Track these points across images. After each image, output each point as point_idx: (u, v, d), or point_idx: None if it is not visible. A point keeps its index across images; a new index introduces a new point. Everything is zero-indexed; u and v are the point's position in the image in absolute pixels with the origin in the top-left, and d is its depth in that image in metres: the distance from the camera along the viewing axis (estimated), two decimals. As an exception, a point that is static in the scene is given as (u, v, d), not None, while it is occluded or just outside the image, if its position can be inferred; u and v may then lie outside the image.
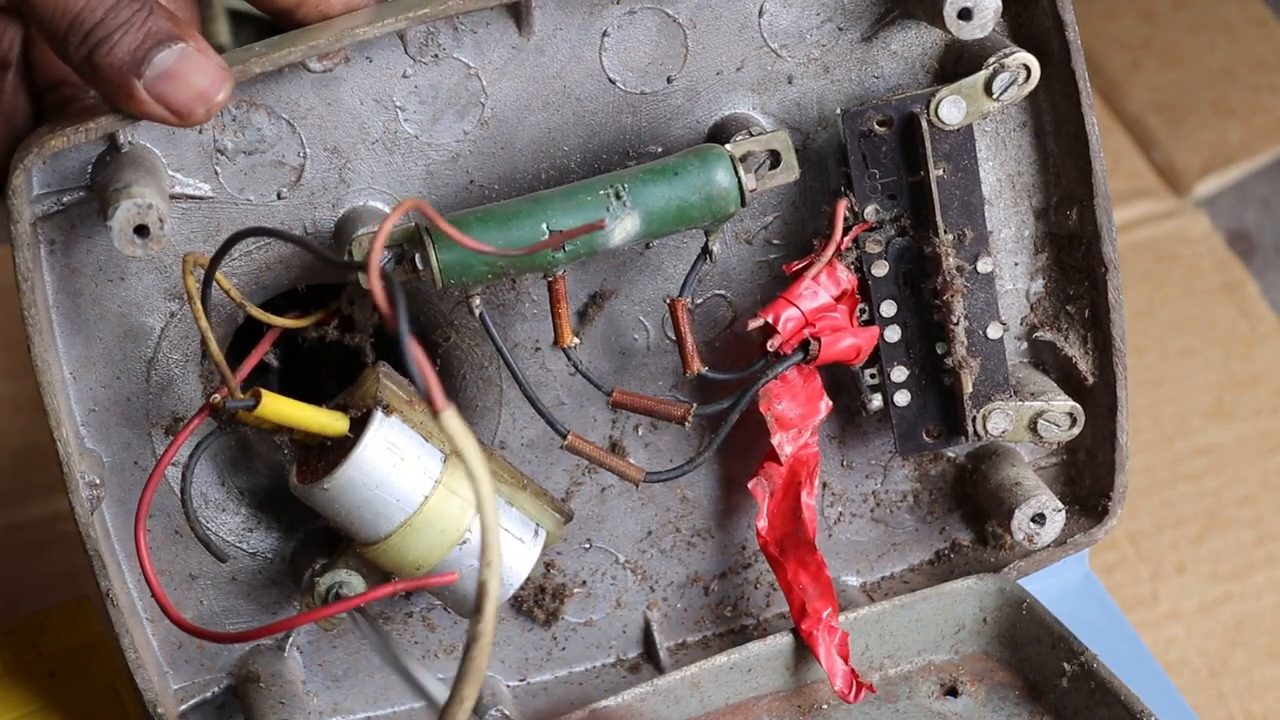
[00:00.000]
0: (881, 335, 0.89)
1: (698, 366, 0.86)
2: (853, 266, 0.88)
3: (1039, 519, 0.92)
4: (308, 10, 0.84)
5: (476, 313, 0.83)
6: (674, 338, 0.86)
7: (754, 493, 0.89)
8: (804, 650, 0.91)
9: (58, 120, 0.81)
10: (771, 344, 0.87)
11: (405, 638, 0.93)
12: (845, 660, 0.90)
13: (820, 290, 0.87)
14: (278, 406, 0.81)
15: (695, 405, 0.86)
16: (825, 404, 0.89)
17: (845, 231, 0.87)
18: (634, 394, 0.86)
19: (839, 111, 0.87)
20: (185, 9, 0.84)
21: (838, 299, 0.87)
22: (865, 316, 0.89)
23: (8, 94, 0.84)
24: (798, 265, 0.87)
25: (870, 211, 0.87)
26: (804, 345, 0.87)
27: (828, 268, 0.87)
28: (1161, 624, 1.17)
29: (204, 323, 0.80)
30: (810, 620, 0.90)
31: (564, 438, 0.86)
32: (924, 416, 0.91)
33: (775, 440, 0.88)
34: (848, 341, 0.87)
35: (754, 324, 0.87)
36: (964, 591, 0.93)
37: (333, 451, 0.83)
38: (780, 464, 0.89)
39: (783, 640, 0.91)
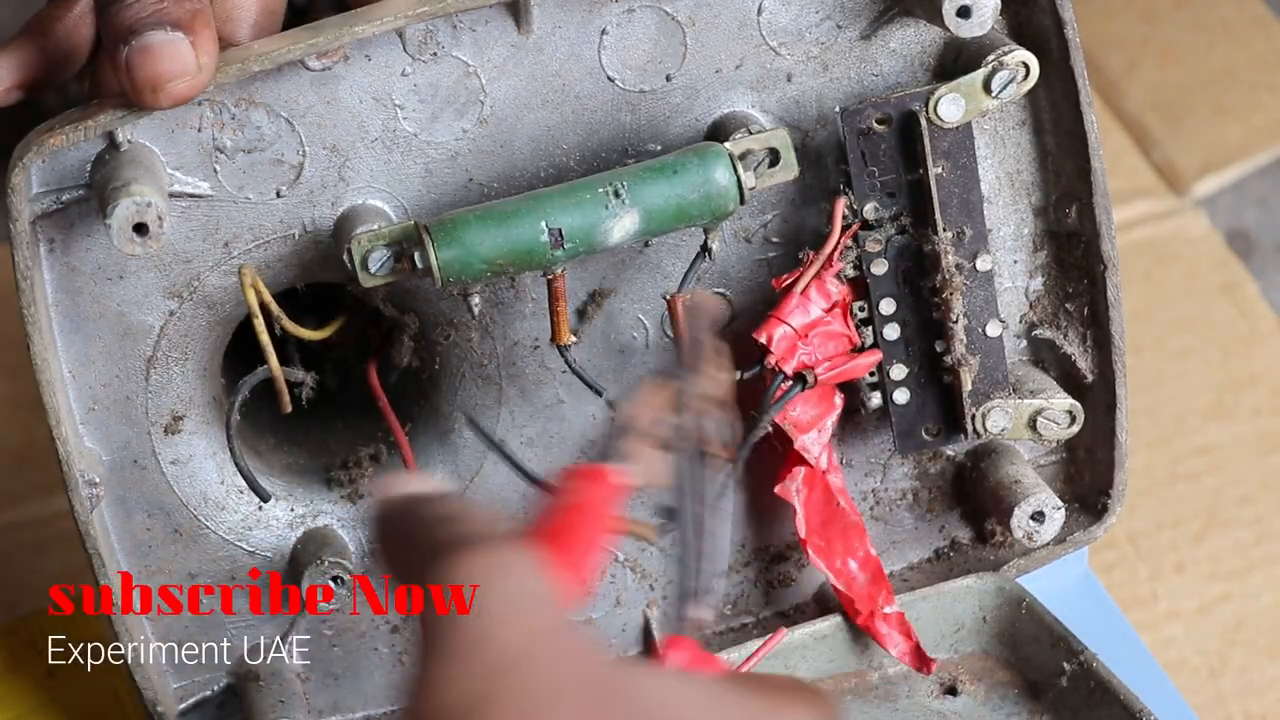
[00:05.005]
0: (881, 333, 0.89)
1: (696, 364, 0.86)
2: (845, 273, 0.88)
3: (1038, 517, 0.92)
4: None
5: (475, 311, 0.83)
6: (673, 335, 0.86)
7: (784, 496, 0.89)
8: (803, 649, 0.91)
9: (56, 119, 0.81)
10: (768, 362, 0.87)
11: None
12: (908, 637, 0.90)
13: (810, 305, 0.87)
14: None
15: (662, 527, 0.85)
16: (839, 398, 0.89)
17: (844, 230, 0.87)
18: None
19: (838, 109, 0.87)
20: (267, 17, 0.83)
21: (828, 311, 0.87)
22: (864, 315, 0.89)
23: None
24: (786, 280, 0.87)
25: (869, 209, 0.87)
26: (800, 378, 0.87)
27: (816, 281, 0.87)
28: (1161, 624, 1.17)
29: (265, 338, 0.81)
30: (865, 616, 0.90)
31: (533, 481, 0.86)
32: (923, 414, 0.91)
33: (799, 444, 0.88)
34: (846, 367, 0.88)
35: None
36: (963, 590, 0.93)
37: None
38: (809, 465, 0.89)
39: (782, 639, 0.91)
